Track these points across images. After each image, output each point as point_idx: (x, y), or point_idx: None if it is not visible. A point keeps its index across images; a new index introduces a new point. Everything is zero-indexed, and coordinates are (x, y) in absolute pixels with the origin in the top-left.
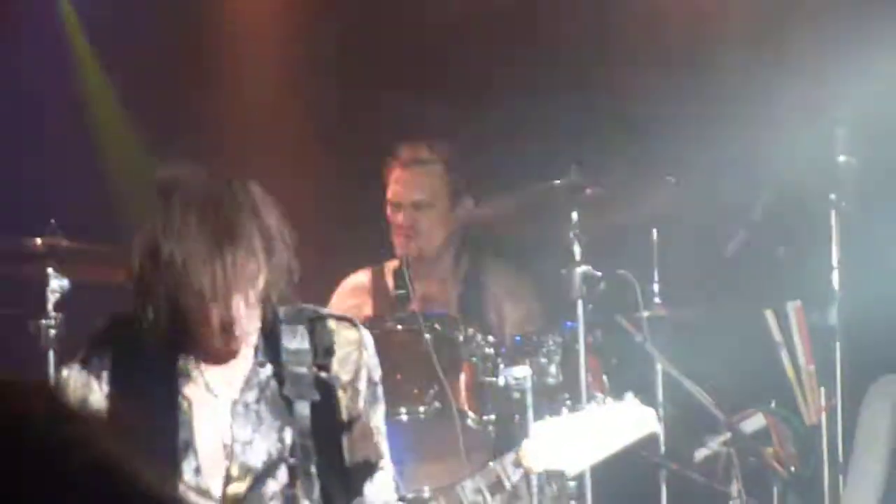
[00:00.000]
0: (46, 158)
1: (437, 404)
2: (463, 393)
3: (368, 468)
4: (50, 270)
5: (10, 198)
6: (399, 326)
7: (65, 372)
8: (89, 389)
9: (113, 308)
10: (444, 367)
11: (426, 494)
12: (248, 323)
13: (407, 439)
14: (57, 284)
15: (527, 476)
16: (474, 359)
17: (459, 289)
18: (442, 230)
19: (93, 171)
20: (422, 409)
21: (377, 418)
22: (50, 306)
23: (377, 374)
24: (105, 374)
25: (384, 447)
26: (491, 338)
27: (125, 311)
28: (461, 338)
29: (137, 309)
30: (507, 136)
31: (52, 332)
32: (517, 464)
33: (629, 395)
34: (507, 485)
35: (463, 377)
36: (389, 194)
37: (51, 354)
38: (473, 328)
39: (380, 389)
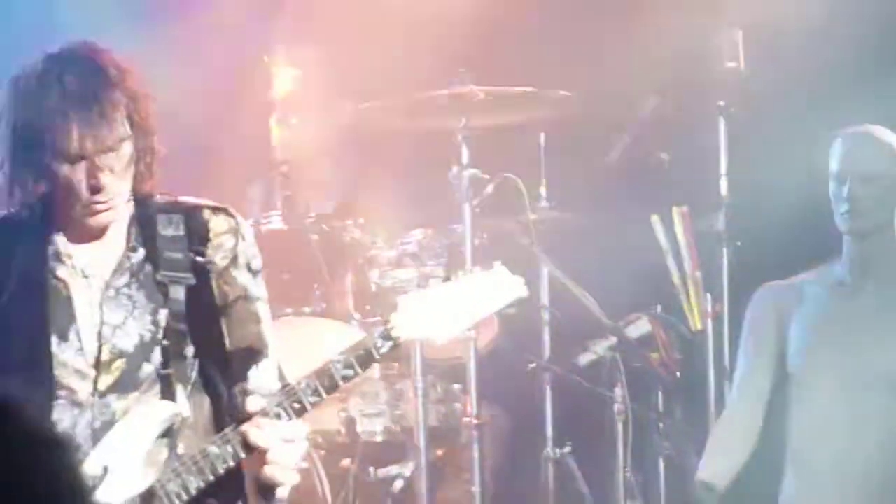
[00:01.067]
0: None
1: (322, 305)
2: (349, 294)
3: (252, 354)
4: None
5: None
6: (285, 226)
7: None
8: None
9: None
10: (330, 268)
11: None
12: (117, 196)
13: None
14: None
15: (396, 346)
16: (360, 261)
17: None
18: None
19: None
20: (307, 309)
21: (259, 305)
22: None
23: (256, 263)
24: None
25: (269, 335)
26: (378, 240)
27: None
28: (348, 239)
29: (9, 186)
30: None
31: None
32: (386, 336)
33: (497, 264)
34: (377, 356)
35: (349, 279)
36: None
37: None
38: (360, 230)
39: (260, 278)
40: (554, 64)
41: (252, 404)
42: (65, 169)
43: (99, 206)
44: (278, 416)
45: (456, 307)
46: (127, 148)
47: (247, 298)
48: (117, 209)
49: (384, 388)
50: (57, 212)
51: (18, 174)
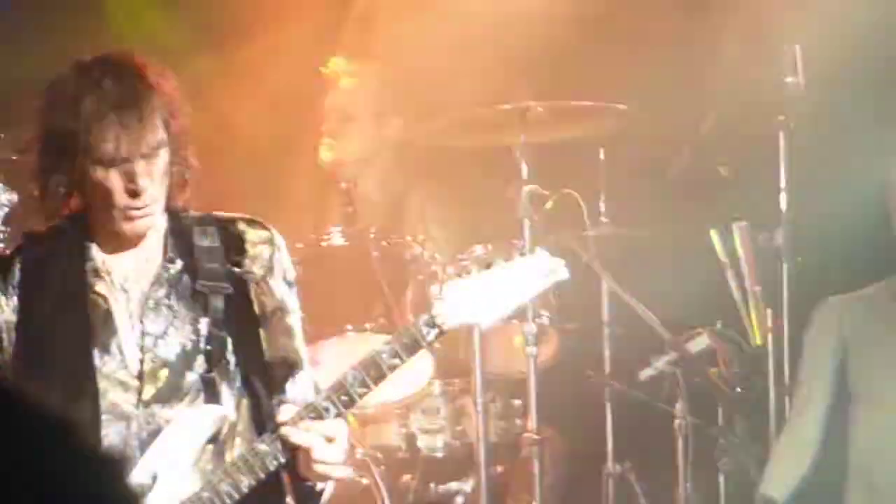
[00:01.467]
0: None
1: (382, 320)
2: (409, 310)
3: (289, 366)
4: None
5: None
6: (346, 242)
7: None
8: None
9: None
10: (391, 284)
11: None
12: (153, 202)
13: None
14: (5, 198)
15: (441, 334)
16: (421, 276)
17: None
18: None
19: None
20: (368, 325)
21: (293, 318)
22: None
23: (291, 274)
24: (12, 290)
25: (303, 349)
26: (438, 256)
27: (34, 229)
28: (408, 255)
29: (43, 196)
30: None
31: (1, 245)
32: (430, 324)
33: (538, 249)
34: (423, 343)
35: (409, 294)
36: None
37: None
38: (420, 246)
39: (294, 290)
40: (613, 79)
41: (285, 412)
42: (101, 173)
43: (136, 213)
44: (326, 410)
45: (498, 292)
46: (163, 155)
47: (283, 310)
48: (154, 216)
49: (445, 404)
50: (93, 224)
51: (54, 181)
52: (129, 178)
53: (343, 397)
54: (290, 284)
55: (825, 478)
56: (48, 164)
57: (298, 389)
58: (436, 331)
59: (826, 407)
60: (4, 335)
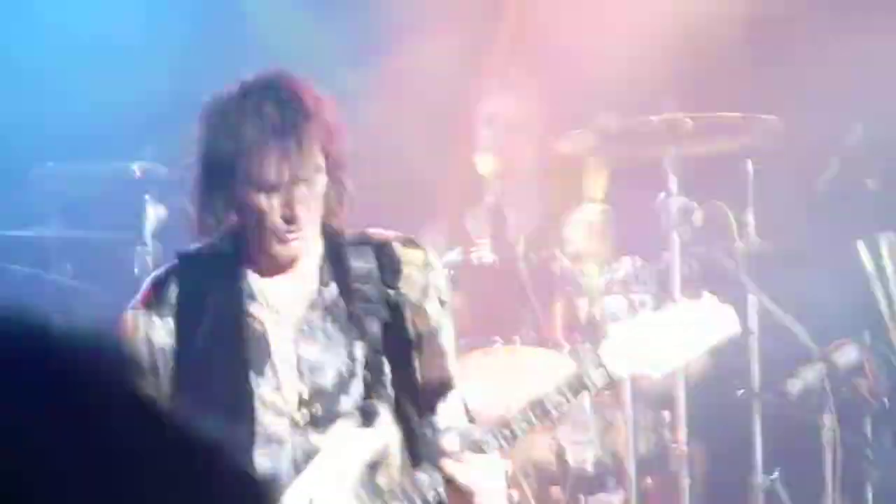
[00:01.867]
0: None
1: (532, 334)
2: (559, 323)
3: (441, 388)
4: (147, 198)
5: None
6: (495, 255)
7: (128, 314)
8: (151, 327)
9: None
10: (540, 299)
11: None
12: (308, 227)
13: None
14: (154, 213)
15: (609, 380)
16: (569, 289)
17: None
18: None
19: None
20: (518, 338)
21: (446, 338)
22: (147, 234)
23: (447, 295)
24: (167, 309)
25: (455, 369)
26: (587, 269)
27: (188, 248)
28: (557, 270)
29: (199, 215)
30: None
31: (149, 258)
32: (598, 364)
33: (706, 294)
34: (589, 385)
35: (558, 308)
36: None
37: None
38: (569, 259)
39: (448, 309)
40: (762, 91)
41: (449, 442)
42: (259, 198)
43: (291, 236)
44: (487, 445)
45: (668, 341)
46: (320, 180)
47: (438, 332)
48: (308, 240)
49: (594, 417)
50: (248, 245)
51: (210, 203)
52: (287, 203)
53: (506, 431)
54: (443, 304)
55: None
56: (207, 184)
57: (450, 410)
58: (603, 373)
59: None
60: (160, 359)
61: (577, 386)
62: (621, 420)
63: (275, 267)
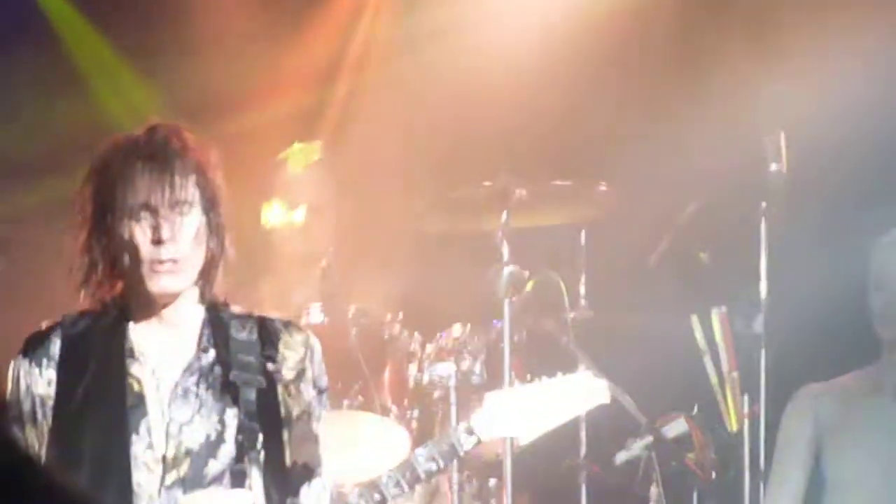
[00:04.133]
0: None
1: (360, 398)
2: (387, 388)
3: (307, 472)
4: None
5: None
6: (326, 319)
7: (12, 363)
8: (32, 378)
9: (48, 291)
10: (369, 362)
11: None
12: (182, 260)
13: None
14: None
15: (479, 443)
16: (399, 355)
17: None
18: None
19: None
20: (346, 402)
21: (319, 426)
22: None
23: (323, 382)
24: (47, 362)
25: (322, 456)
26: (417, 335)
27: (72, 312)
28: (387, 334)
29: (84, 262)
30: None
31: None
32: (469, 432)
33: (581, 367)
34: (461, 451)
35: (387, 373)
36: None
37: None
38: (399, 325)
39: (325, 398)
40: (596, 162)
41: None
42: (131, 226)
43: (161, 267)
44: None
45: (540, 408)
46: (195, 215)
47: (310, 416)
48: (182, 276)
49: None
50: (130, 303)
51: (94, 248)
52: (156, 226)
53: (376, 496)
54: (320, 391)
55: None
56: (92, 228)
57: (312, 496)
58: (474, 438)
59: (799, 495)
60: (38, 410)
61: (449, 452)
62: (447, 486)
63: (156, 321)
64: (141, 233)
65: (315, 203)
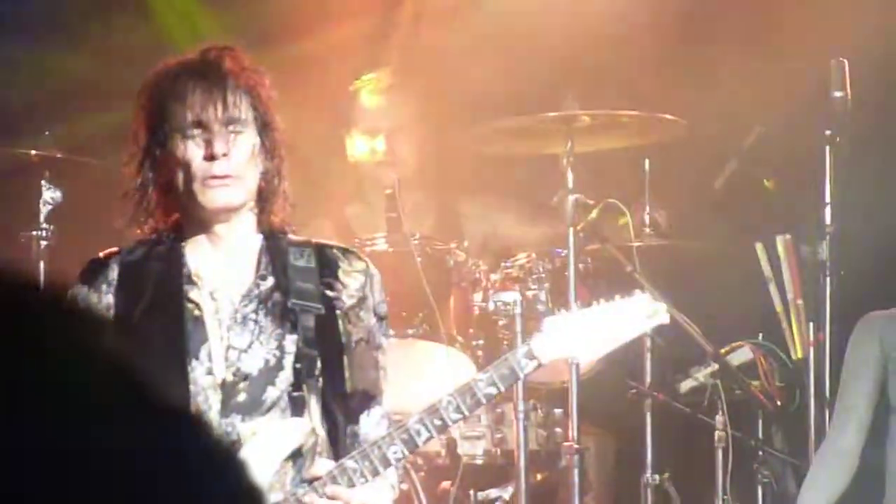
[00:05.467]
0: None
1: (425, 327)
2: (452, 316)
3: (366, 399)
4: (43, 182)
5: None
6: (390, 248)
7: (70, 291)
8: (89, 303)
9: (107, 221)
10: (434, 291)
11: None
12: (236, 177)
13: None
14: (49, 196)
15: (539, 367)
16: (464, 283)
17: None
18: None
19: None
20: (410, 331)
21: (380, 353)
22: (42, 218)
23: (383, 309)
24: (106, 288)
25: (383, 384)
26: (481, 263)
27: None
28: (452, 262)
29: (137, 184)
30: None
31: (44, 243)
32: (529, 356)
33: (638, 292)
34: (521, 375)
35: (452, 301)
36: None
37: (41, 266)
38: (464, 252)
39: (385, 325)
40: (661, 89)
41: (318, 467)
42: (185, 145)
43: (213, 181)
44: (418, 434)
45: (599, 330)
46: (248, 133)
47: (369, 343)
48: (236, 190)
49: (486, 411)
50: (186, 230)
51: (147, 169)
52: (208, 142)
53: (437, 421)
54: (380, 318)
55: (864, 491)
56: (145, 150)
57: (371, 424)
58: (534, 363)
59: (865, 420)
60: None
61: (509, 375)
62: (513, 415)
63: (212, 246)
64: (194, 149)
65: (394, 129)
